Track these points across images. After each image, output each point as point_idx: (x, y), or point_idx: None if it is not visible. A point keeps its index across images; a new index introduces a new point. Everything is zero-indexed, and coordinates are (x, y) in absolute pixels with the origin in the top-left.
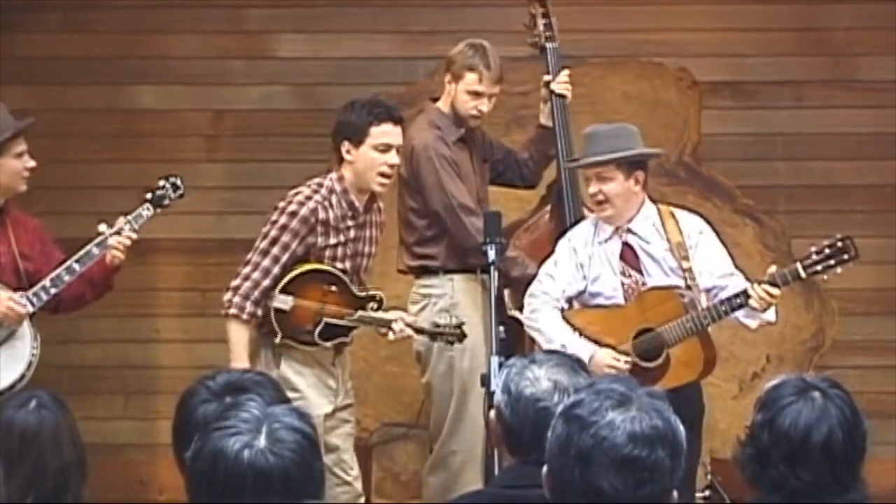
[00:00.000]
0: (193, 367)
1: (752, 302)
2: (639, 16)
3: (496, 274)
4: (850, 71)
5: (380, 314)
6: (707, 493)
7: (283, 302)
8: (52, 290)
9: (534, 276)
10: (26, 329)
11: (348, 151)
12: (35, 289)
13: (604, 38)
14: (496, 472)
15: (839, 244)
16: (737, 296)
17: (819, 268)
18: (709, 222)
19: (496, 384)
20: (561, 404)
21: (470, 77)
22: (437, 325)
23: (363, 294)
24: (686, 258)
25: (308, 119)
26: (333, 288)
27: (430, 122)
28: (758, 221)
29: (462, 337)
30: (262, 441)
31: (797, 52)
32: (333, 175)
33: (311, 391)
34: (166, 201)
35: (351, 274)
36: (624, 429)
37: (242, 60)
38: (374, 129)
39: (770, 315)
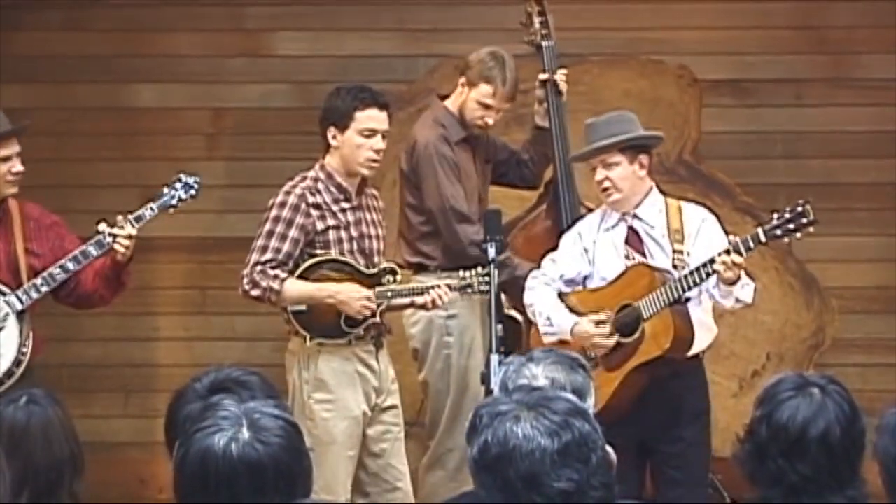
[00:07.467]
0: (193, 365)
1: (716, 266)
2: (639, 13)
3: (496, 272)
4: (851, 69)
5: (398, 285)
6: (707, 491)
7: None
8: (44, 289)
9: (524, 277)
10: (13, 327)
11: (334, 137)
12: (25, 286)
13: (604, 35)
14: None
15: (798, 209)
16: (704, 265)
17: (779, 232)
18: (716, 215)
19: (495, 382)
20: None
21: (485, 89)
22: (464, 279)
23: (375, 271)
24: (679, 241)
25: (308, 117)
26: (342, 272)
27: (435, 120)
28: (758, 219)
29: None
30: (246, 433)
31: (797, 51)
32: (317, 165)
33: (346, 392)
34: (174, 201)
35: (365, 258)
36: (539, 431)
37: (242, 59)
38: (359, 114)
39: (746, 295)
